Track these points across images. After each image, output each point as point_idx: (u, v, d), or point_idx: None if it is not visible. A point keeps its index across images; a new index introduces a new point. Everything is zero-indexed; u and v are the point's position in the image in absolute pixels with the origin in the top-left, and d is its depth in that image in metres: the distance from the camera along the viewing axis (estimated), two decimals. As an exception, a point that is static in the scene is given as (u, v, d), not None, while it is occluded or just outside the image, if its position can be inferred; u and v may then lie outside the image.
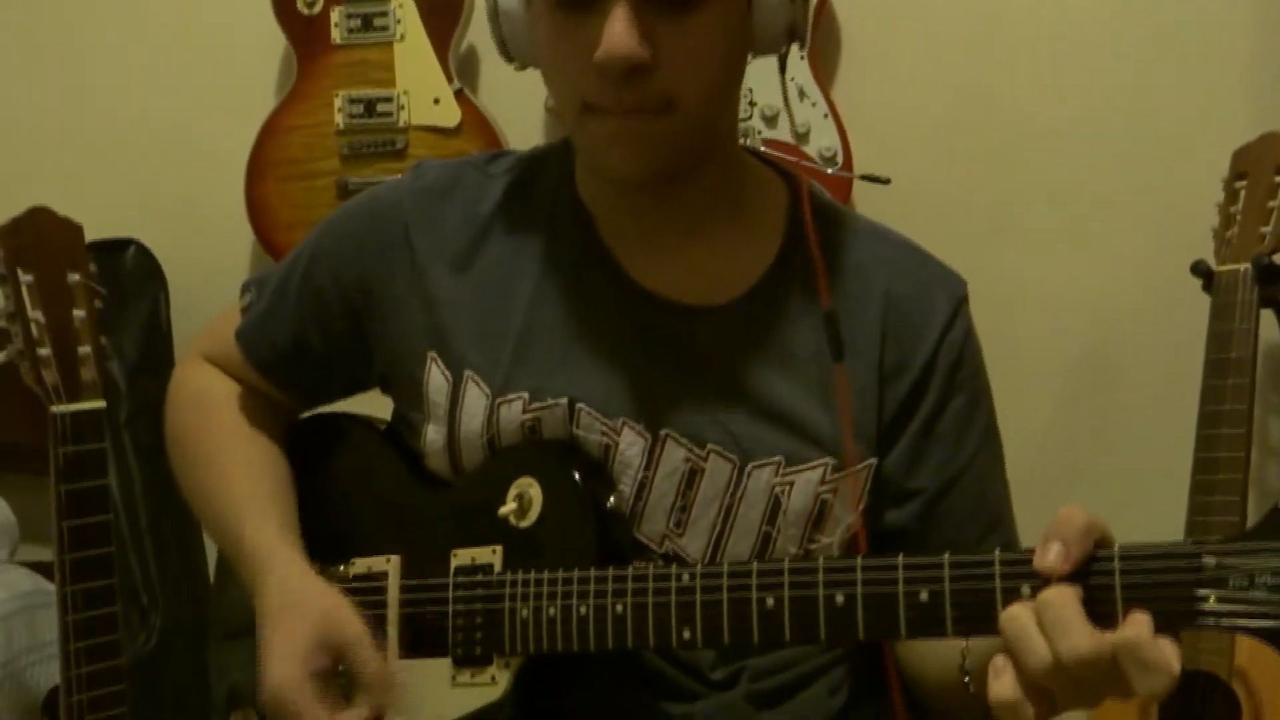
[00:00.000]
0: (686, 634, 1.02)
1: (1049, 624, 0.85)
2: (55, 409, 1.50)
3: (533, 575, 1.11)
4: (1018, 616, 0.87)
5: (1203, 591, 0.82)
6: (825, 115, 2.12)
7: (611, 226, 1.19)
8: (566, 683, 1.16)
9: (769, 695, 1.17)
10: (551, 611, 1.09)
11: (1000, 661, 0.88)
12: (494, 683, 1.13)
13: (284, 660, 1.10)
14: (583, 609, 1.07)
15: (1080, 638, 0.84)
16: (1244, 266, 1.81)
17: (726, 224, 1.19)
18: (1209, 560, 0.82)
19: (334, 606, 1.14)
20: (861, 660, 1.19)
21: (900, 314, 1.18)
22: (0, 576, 1.88)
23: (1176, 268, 1.89)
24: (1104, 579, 0.86)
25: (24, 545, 2.02)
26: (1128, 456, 2.13)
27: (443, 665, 1.17)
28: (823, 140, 2.12)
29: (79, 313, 1.54)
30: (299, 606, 1.14)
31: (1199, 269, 1.87)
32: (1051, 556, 0.86)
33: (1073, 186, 2.17)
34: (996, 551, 0.90)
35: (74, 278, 1.54)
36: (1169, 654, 0.82)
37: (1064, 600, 0.85)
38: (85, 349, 1.54)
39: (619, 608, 1.05)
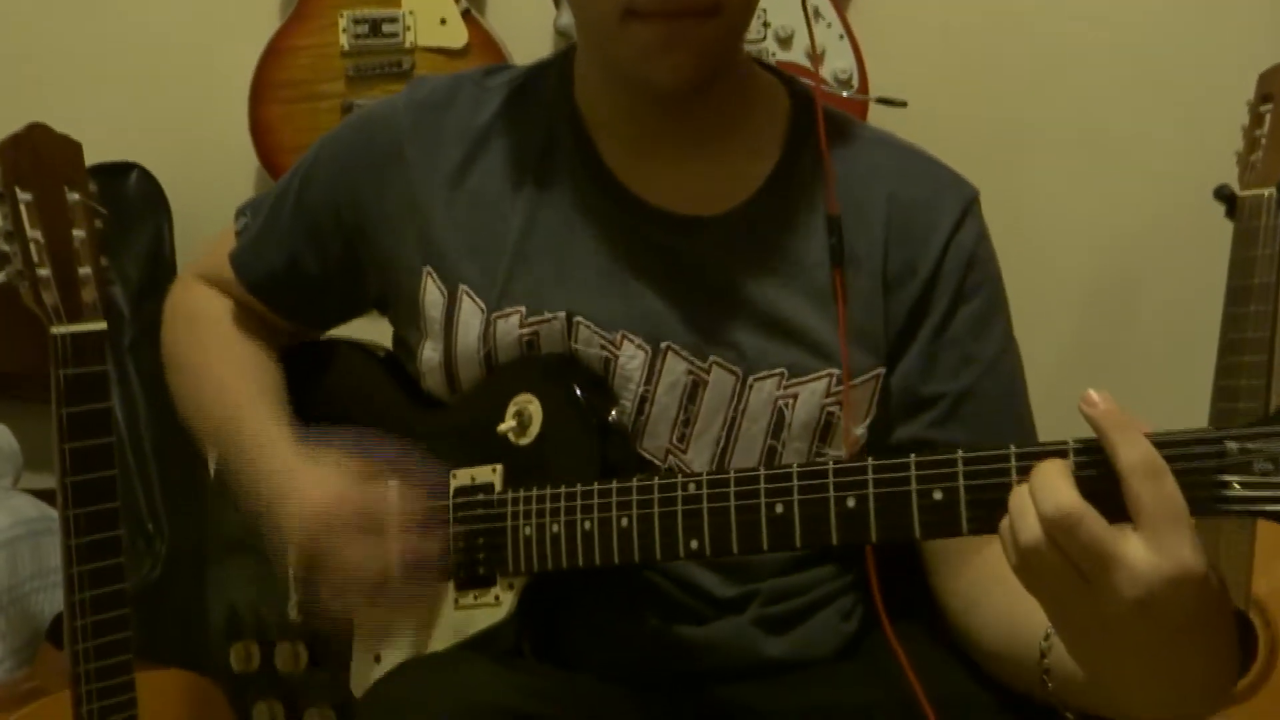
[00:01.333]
0: (694, 544, 0.99)
1: (1036, 489, 0.80)
2: (55, 330, 1.46)
3: (535, 492, 1.09)
4: (1020, 493, 0.82)
5: (1225, 477, 0.79)
6: (841, 36, 2.08)
7: (610, 137, 1.17)
8: (572, 607, 1.14)
9: (779, 620, 1.16)
10: (555, 528, 1.07)
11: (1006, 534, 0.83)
12: (498, 603, 1.11)
13: (306, 508, 1.10)
14: (587, 524, 1.05)
15: (1067, 494, 0.78)
16: (1268, 191, 1.78)
17: (728, 135, 1.17)
18: (1232, 445, 0.79)
19: (343, 461, 1.14)
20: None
21: (905, 219, 1.15)
22: (4, 503, 1.86)
23: (1199, 192, 1.85)
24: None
25: (29, 474, 2.01)
26: (1146, 385, 2.05)
27: (444, 589, 1.15)
28: (838, 62, 2.07)
29: (79, 233, 1.50)
30: (308, 469, 1.14)
31: (1222, 193, 1.83)
32: (1095, 395, 0.80)
33: (1094, 109, 2.13)
34: (1011, 446, 0.85)
35: (73, 197, 1.51)
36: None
37: (1053, 467, 0.81)
38: (86, 270, 1.50)
39: (624, 521, 1.03)
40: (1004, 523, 0.83)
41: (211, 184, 2.24)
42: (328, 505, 1.10)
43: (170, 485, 2.11)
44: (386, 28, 2.12)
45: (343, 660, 1.22)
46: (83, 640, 1.46)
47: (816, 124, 1.16)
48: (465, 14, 2.12)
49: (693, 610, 1.14)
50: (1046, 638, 0.94)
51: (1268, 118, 1.83)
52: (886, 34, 2.13)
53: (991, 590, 1.05)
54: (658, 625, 1.13)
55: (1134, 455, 0.78)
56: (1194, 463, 0.79)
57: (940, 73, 2.15)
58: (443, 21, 2.12)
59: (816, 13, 2.07)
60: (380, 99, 1.29)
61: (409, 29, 2.12)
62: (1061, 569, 0.80)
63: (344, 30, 2.13)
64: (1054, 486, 0.79)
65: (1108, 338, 2.18)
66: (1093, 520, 0.78)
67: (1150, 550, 0.77)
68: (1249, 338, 1.75)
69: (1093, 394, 0.80)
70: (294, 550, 1.14)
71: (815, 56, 2.08)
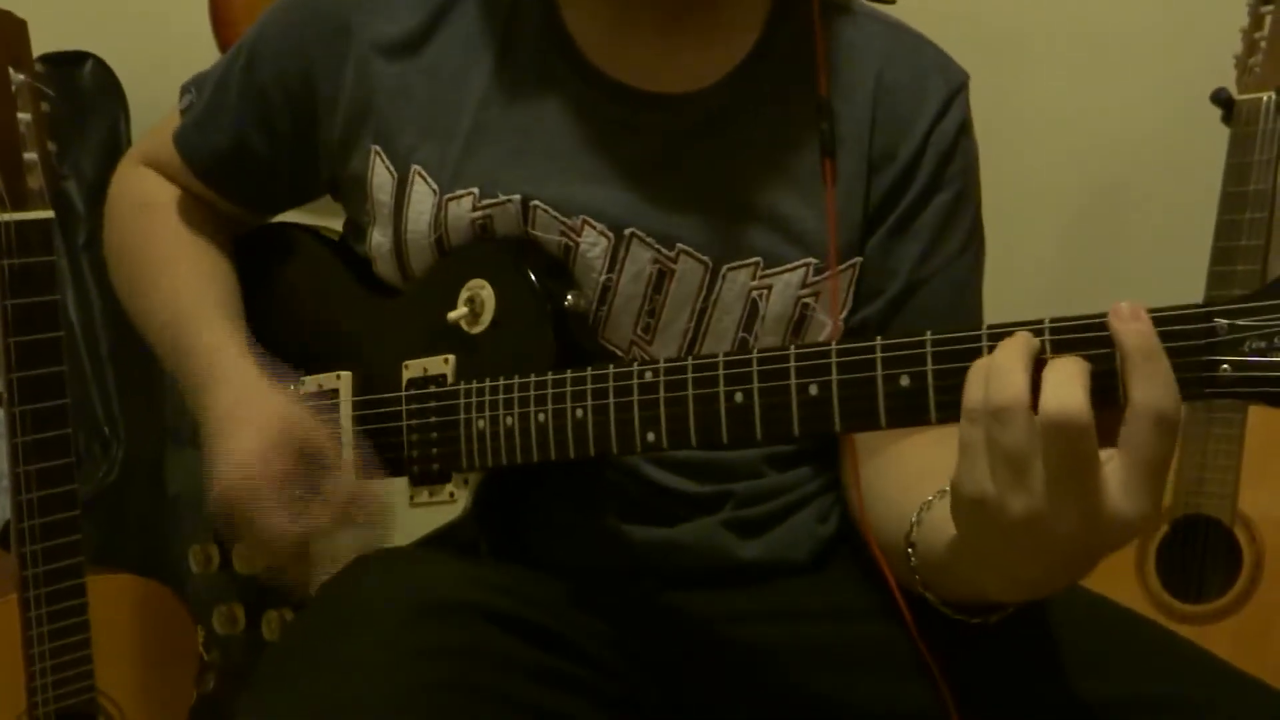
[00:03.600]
0: (650, 437, 0.94)
1: (1048, 379, 0.73)
2: (-2, 218, 1.40)
3: (488, 384, 1.04)
4: (1014, 350, 0.75)
5: (1215, 358, 0.73)
6: (827, -69, 2.00)
7: (580, 11, 1.11)
8: (533, 505, 1.09)
9: (753, 522, 1.11)
10: (509, 421, 1.02)
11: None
12: (453, 500, 1.07)
13: (243, 454, 1.04)
14: (541, 416, 1.00)
15: (1079, 397, 0.72)
16: (1267, 95, 1.73)
17: (706, 8, 1.10)
18: (1221, 323, 0.73)
19: (293, 409, 1.08)
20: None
21: (892, 100, 1.10)
22: (-47, 403, 1.80)
23: (1195, 96, 1.79)
24: (1103, 348, 0.75)
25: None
26: (1137, 293, 2.03)
27: (400, 485, 1.10)
28: (824, -42, 2.00)
29: (24, 116, 1.43)
30: (253, 407, 1.07)
31: (1219, 97, 1.78)
32: (1128, 309, 0.73)
33: (1088, 9, 2.08)
34: (985, 328, 0.79)
35: (18, 78, 1.43)
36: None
37: (1078, 367, 0.74)
38: (31, 155, 1.43)
39: (579, 412, 0.97)
40: (978, 372, 0.76)
41: (170, 75, 2.11)
42: (241, 482, 1.04)
43: (127, 389, 2.06)
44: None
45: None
46: (30, 543, 1.42)
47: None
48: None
49: (662, 510, 1.09)
50: (918, 514, 0.91)
51: (1268, 19, 1.77)
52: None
53: (881, 480, 1.03)
54: (624, 525, 1.09)
55: (1156, 398, 0.72)
56: (1180, 342, 0.73)
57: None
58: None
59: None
60: None
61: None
62: (1026, 452, 0.74)
63: (309, -85, 2.04)
64: (1073, 385, 0.73)
65: (1100, 243, 2.14)
66: (1092, 438, 0.73)
67: (1123, 492, 0.73)
68: (1243, 245, 1.71)
69: (1125, 308, 0.74)
70: (223, 499, 1.06)
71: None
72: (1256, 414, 1.70)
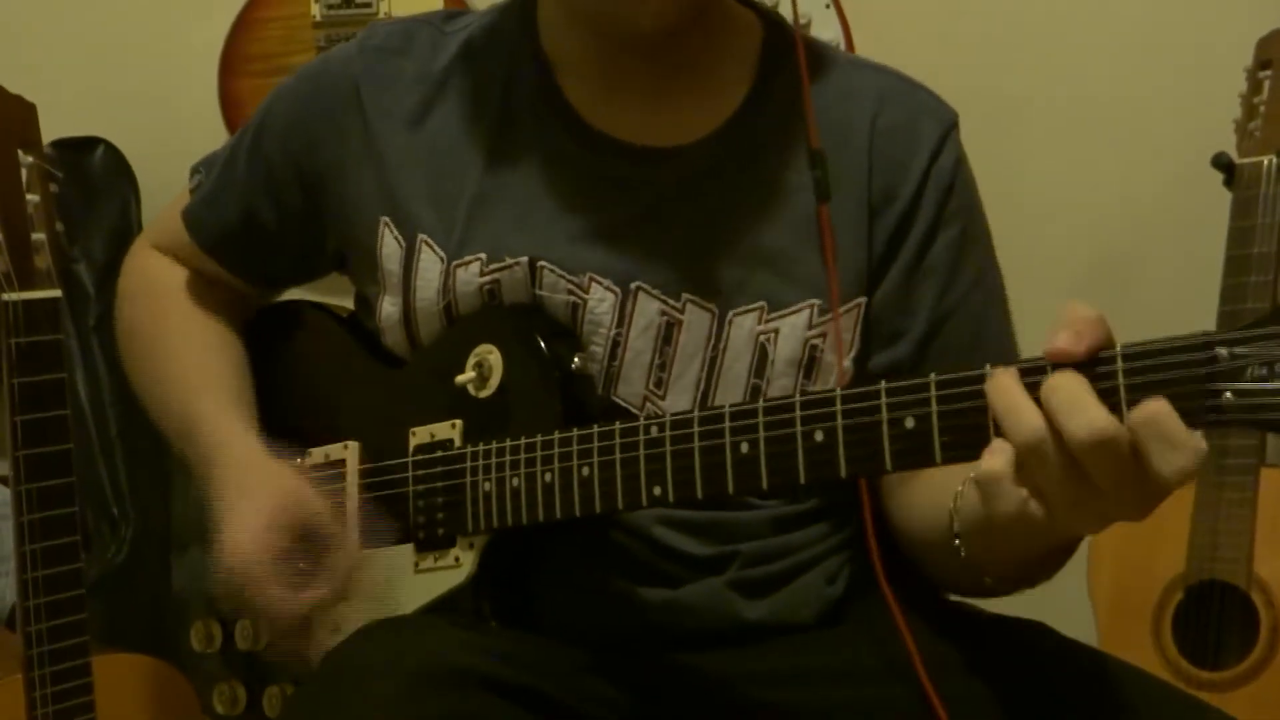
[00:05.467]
0: (657, 490, 0.94)
1: (1058, 405, 0.75)
2: (6, 297, 1.41)
3: (494, 446, 1.04)
4: (1008, 388, 0.78)
5: (1217, 386, 0.73)
6: (827, 5, 2.05)
7: (575, 78, 1.13)
8: (538, 569, 1.09)
9: (758, 583, 1.10)
10: (515, 482, 1.02)
11: (998, 441, 0.79)
12: (458, 564, 1.06)
13: (242, 534, 1.05)
14: (548, 476, 1.00)
15: (1097, 412, 0.74)
16: (1268, 159, 1.75)
17: (699, 68, 1.13)
18: (1222, 351, 0.73)
19: (294, 484, 1.08)
20: (862, 548, 1.12)
21: (887, 143, 1.11)
22: (-39, 485, 1.81)
23: (1197, 161, 1.81)
24: (1107, 381, 0.76)
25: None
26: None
27: (405, 552, 1.10)
28: (825, 32, 2.03)
29: (32, 197, 1.45)
30: (257, 482, 1.09)
31: (1220, 162, 1.80)
32: (1061, 340, 0.77)
33: (1088, 77, 2.09)
34: (988, 366, 0.80)
35: (26, 159, 1.45)
36: (1193, 433, 0.74)
37: (1075, 381, 0.76)
38: (39, 236, 1.45)
39: (584, 470, 0.98)
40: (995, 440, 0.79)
41: (180, 159, 2.13)
42: (243, 557, 1.05)
43: (136, 468, 2.06)
44: (359, -2, 2.08)
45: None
46: (35, 622, 1.41)
47: (791, 50, 1.12)
48: (441, -17, 2.07)
49: (668, 571, 1.09)
50: (952, 518, 0.93)
51: (1266, 84, 1.79)
52: (874, 2, 2.08)
53: (907, 510, 1.06)
54: (630, 586, 1.08)
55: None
56: (1181, 372, 0.74)
57: (929, 42, 2.11)
58: (417, -9, 2.07)
59: (803, -19, 2.02)
60: (335, 47, 1.24)
61: (383, -1, 2.08)
62: (1061, 480, 0.76)
63: (316, 0, 2.08)
64: (1083, 404, 0.75)
65: (1103, 309, 2.13)
66: (1125, 437, 0.74)
67: (1169, 469, 0.75)
68: (1248, 309, 1.71)
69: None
70: (224, 576, 1.07)
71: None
72: (1269, 477, 1.69)
